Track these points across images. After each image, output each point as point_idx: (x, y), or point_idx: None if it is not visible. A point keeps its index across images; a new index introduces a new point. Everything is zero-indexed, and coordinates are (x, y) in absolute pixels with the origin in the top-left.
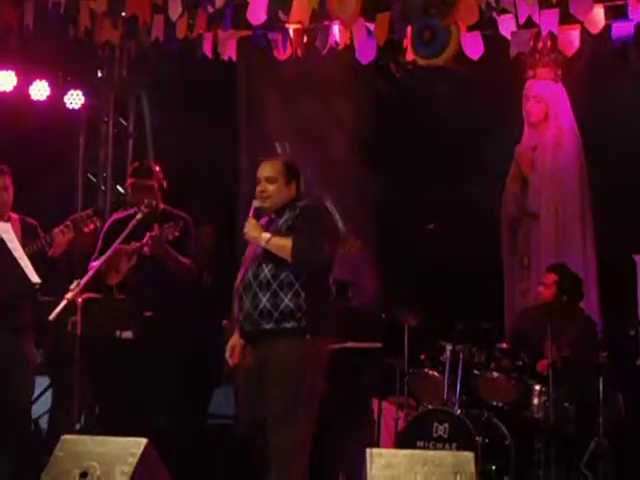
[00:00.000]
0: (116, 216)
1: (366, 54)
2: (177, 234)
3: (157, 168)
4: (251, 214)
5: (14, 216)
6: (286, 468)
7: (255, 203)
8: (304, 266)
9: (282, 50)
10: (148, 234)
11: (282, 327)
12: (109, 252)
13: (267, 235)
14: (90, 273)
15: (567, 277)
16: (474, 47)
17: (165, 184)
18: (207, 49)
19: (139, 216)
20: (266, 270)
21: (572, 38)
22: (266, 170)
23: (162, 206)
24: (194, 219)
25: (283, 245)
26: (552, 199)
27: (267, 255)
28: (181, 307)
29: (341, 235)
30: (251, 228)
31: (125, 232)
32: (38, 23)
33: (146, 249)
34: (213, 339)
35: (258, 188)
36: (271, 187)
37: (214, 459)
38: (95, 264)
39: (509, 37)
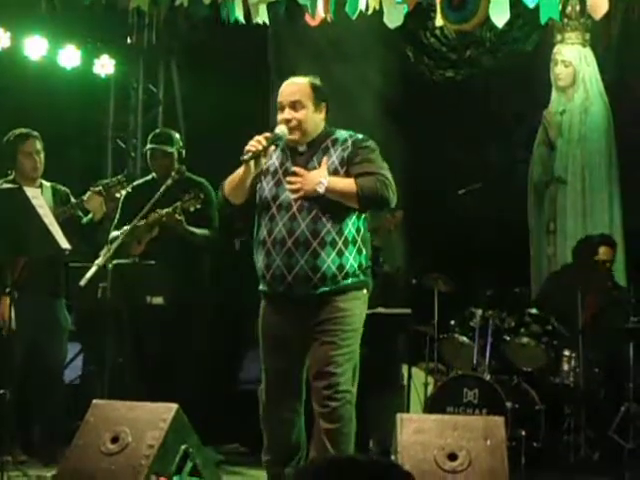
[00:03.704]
0: (134, 183)
1: (394, 19)
2: (198, 206)
3: (177, 136)
4: (265, 144)
5: (46, 183)
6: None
7: (282, 130)
8: (370, 209)
9: (313, 16)
10: (164, 211)
11: (342, 286)
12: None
13: (323, 180)
14: (119, 240)
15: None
16: (500, 13)
17: (184, 152)
18: (238, 13)
19: (169, 182)
20: (329, 225)
21: (601, 1)
22: (291, 93)
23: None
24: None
25: (347, 187)
26: (579, 164)
27: (326, 205)
28: (206, 274)
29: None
30: (309, 179)
31: (152, 200)
32: None
33: (165, 219)
34: (244, 304)
35: (282, 116)
36: (299, 114)
37: (245, 424)
38: (115, 233)
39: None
